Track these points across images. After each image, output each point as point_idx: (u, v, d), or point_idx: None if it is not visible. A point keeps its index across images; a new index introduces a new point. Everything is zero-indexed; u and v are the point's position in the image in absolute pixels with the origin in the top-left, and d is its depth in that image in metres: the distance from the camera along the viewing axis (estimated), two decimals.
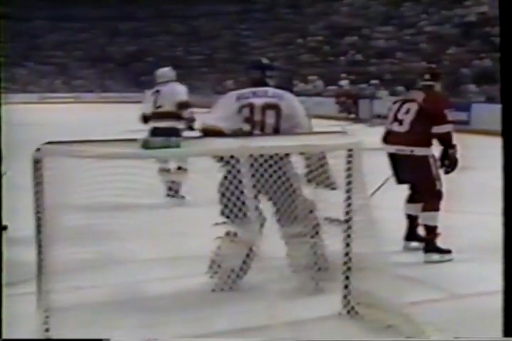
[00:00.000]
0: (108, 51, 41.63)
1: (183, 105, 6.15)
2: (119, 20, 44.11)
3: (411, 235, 4.24)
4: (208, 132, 3.38)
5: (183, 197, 5.56)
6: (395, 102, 4.36)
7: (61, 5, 42.29)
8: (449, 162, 4.07)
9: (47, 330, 2.53)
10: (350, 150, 2.93)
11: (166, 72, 6.45)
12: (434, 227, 3.99)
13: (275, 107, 3.44)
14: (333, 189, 3.14)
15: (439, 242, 4.01)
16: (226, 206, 3.14)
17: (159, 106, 6.14)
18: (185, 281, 3.35)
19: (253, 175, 2.94)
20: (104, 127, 5.32)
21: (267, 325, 2.51)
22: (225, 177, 3.12)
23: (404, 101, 4.26)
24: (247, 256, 3.18)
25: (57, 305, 2.77)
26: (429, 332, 2.61)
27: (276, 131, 3.41)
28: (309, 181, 3.15)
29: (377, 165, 3.92)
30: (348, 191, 2.93)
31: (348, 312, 2.90)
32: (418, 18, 25.15)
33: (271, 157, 2.97)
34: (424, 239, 4.04)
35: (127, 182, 2.92)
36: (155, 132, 5.88)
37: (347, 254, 2.89)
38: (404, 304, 2.71)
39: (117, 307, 2.98)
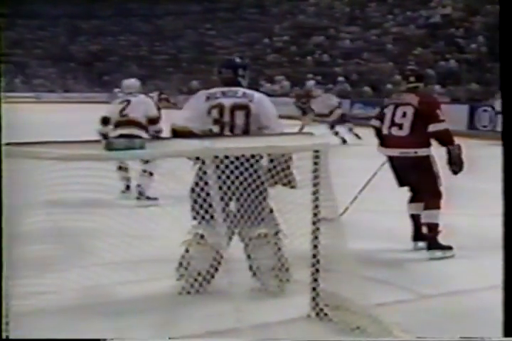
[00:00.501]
0: (69, 50, 41.05)
1: (155, 121, 6.34)
2: (81, 19, 43.56)
3: (418, 235, 4.36)
4: (178, 133, 3.38)
5: (155, 198, 5.51)
6: (386, 106, 4.51)
7: (18, 1, 41.54)
8: (455, 161, 4.19)
9: (7, 338, 2.49)
10: (316, 151, 2.95)
11: (133, 83, 6.65)
12: (436, 225, 4.16)
13: (244, 108, 3.44)
14: (293, 187, 3.16)
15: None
16: (194, 208, 3.15)
17: (125, 115, 6.26)
18: (151, 285, 3.33)
19: (219, 177, 2.94)
20: (67, 128, 5.26)
21: (234, 329, 2.52)
22: (199, 179, 3.13)
23: (398, 105, 4.41)
24: (214, 259, 3.18)
25: (18, 311, 2.73)
26: (397, 332, 2.65)
27: (246, 132, 3.41)
28: (275, 183, 3.17)
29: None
30: (315, 192, 2.95)
31: (317, 314, 2.92)
32: (383, 18, 25.52)
33: (237, 158, 2.97)
34: (427, 237, 4.18)
35: (90, 185, 2.90)
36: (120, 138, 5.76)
37: (314, 256, 2.91)
38: (371, 305, 2.75)
39: (81, 312, 2.95)
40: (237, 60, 3.85)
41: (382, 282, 3.50)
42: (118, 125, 6.24)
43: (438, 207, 4.18)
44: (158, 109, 6.70)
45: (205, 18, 40.29)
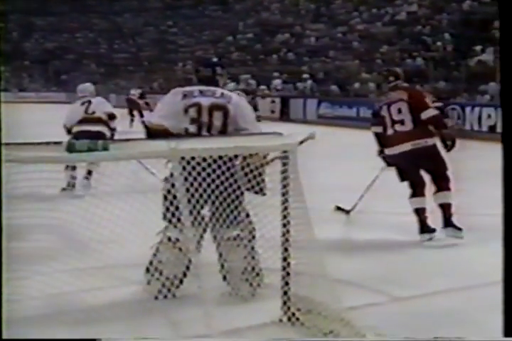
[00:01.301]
0: (23, 47, 40.33)
1: (112, 116, 7.23)
2: (34, 15, 42.84)
3: (424, 227, 4.64)
4: (153, 131, 3.38)
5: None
6: (379, 109, 4.96)
7: None
8: (448, 140, 4.74)
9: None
10: (285, 151, 2.97)
11: (87, 86, 7.52)
12: (450, 204, 4.61)
13: (223, 108, 3.46)
14: (264, 195, 3.18)
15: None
16: (164, 210, 3.14)
17: (93, 113, 7.03)
18: (116, 291, 3.31)
19: (186, 179, 2.93)
20: (24, 129, 5.22)
21: (204, 335, 2.51)
22: (166, 180, 3.12)
23: (390, 104, 4.85)
24: (183, 263, 3.18)
25: None
26: (370, 336, 2.68)
27: (223, 133, 3.43)
28: (246, 189, 3.18)
29: None
30: (284, 194, 2.96)
31: (289, 318, 2.93)
32: (349, 16, 25.78)
33: (204, 159, 2.97)
34: (443, 216, 4.60)
35: (52, 188, 2.86)
36: (83, 135, 6.43)
37: (285, 259, 2.92)
38: (343, 309, 2.78)
39: (45, 321, 2.92)
40: (214, 58, 3.90)
41: (352, 284, 3.52)
42: (83, 121, 6.91)
43: (449, 189, 4.66)
44: (139, 108, 7.42)
45: (166, 15, 40.07)
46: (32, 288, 2.94)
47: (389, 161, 5.01)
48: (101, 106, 7.15)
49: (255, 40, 29.06)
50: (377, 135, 4.99)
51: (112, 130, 7.19)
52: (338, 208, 5.49)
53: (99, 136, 6.67)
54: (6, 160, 2.69)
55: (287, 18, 29.57)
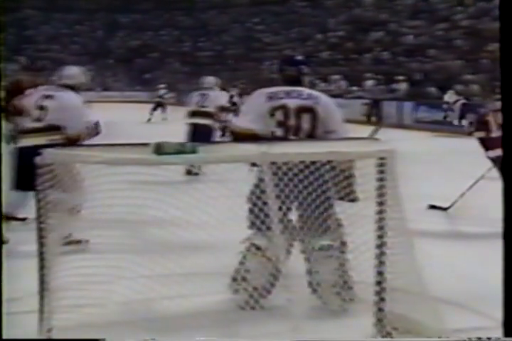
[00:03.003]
0: (108, 46, 41.93)
1: (224, 109, 8.57)
2: (119, 13, 44.44)
3: None
4: (240, 135, 3.42)
5: None
6: (485, 113, 5.26)
7: None
8: None
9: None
10: (382, 158, 2.94)
11: (210, 79, 8.82)
12: None
13: (311, 110, 3.47)
14: (352, 201, 3.16)
15: None
16: (250, 217, 3.19)
17: (203, 106, 8.28)
18: (201, 299, 3.37)
19: (276, 185, 2.97)
20: (109, 130, 5.44)
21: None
22: (254, 186, 3.17)
23: (497, 111, 4.98)
24: (271, 273, 3.21)
25: (60, 325, 2.82)
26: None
27: (312, 136, 3.44)
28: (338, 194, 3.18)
29: None
30: (380, 204, 2.94)
31: (383, 337, 2.90)
32: (452, 10, 25.15)
33: (296, 165, 3.00)
34: None
35: (136, 191, 2.96)
36: (191, 127, 8.14)
37: (380, 273, 2.90)
38: (448, 331, 2.70)
39: (125, 327, 3.01)
40: (299, 57, 3.90)
41: (456, 305, 3.41)
42: (194, 115, 8.27)
43: None
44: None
45: (252, 11, 40.50)
46: (116, 293, 3.07)
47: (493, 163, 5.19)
48: (215, 100, 8.28)
49: (347, 38, 28.89)
50: (481, 139, 5.20)
51: (223, 122, 8.53)
52: (432, 206, 5.74)
53: (206, 129, 7.83)
54: (94, 161, 2.82)
55: (382, 14, 29.22)
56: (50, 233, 2.84)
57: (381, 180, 2.94)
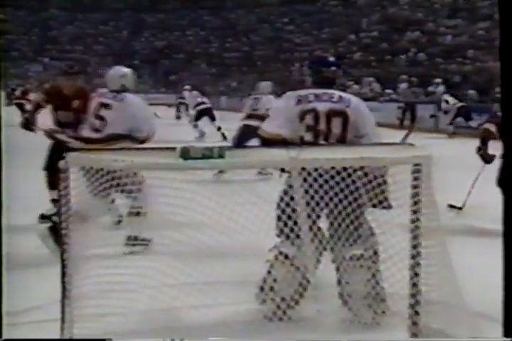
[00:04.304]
0: (133, 46, 42.36)
1: None
2: (145, 12, 44.88)
3: None
4: (269, 141, 3.43)
5: None
6: None
7: None
8: None
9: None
10: (417, 164, 2.93)
11: (266, 85, 9.59)
12: None
13: (342, 114, 3.47)
14: (385, 208, 3.15)
15: None
16: (278, 225, 3.20)
17: (255, 110, 9.09)
18: (227, 309, 3.38)
19: (306, 191, 2.97)
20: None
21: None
22: (283, 192, 3.17)
23: None
24: (300, 283, 3.21)
25: (82, 334, 2.85)
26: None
27: (342, 141, 3.43)
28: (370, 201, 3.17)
29: None
30: (415, 212, 2.92)
31: None
32: (493, 9, 24.88)
33: (327, 171, 3.00)
34: None
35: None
36: (244, 128, 8.83)
37: (415, 285, 2.88)
38: None
39: (147, 337, 3.04)
40: (331, 57, 3.89)
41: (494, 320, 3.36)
42: (247, 117, 9.08)
43: None
44: None
45: (281, 11, 40.63)
46: (139, 302, 3.10)
47: None
48: (266, 104, 8.77)
49: (381, 39, 28.79)
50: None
51: None
52: (451, 206, 5.94)
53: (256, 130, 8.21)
54: (119, 166, 2.86)
55: (418, 13, 29.06)
56: (73, 240, 2.87)
57: (416, 187, 2.92)
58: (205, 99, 15.90)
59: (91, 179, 3.33)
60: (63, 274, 2.87)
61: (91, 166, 2.92)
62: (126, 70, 5.29)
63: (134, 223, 4.44)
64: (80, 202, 4.07)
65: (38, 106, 5.89)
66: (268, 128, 3.52)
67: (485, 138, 5.45)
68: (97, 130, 4.97)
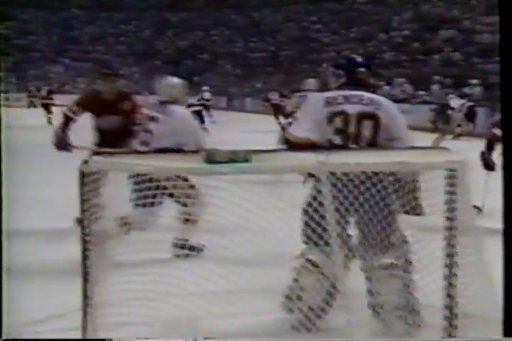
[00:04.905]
0: (155, 46, 42.62)
1: None
2: (168, 11, 45.14)
3: None
4: (296, 145, 3.42)
5: None
6: None
7: None
8: None
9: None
10: (452, 170, 2.91)
11: (312, 81, 9.33)
12: None
13: (372, 117, 3.46)
14: (417, 214, 3.13)
15: None
16: (306, 231, 3.19)
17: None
18: (252, 319, 3.38)
19: (335, 197, 2.97)
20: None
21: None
22: (312, 198, 3.17)
23: None
24: (329, 291, 3.20)
25: None
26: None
27: (373, 145, 3.42)
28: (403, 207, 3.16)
29: None
30: (450, 219, 2.90)
31: None
32: None
33: (357, 176, 2.99)
34: None
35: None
36: None
37: (450, 297, 2.86)
38: None
39: None
40: (358, 58, 3.88)
41: None
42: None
43: None
44: (284, 112, 9.32)
45: (308, 9, 40.60)
46: (162, 310, 3.11)
47: None
48: None
49: (413, 38, 28.66)
50: None
51: None
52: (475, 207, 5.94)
53: None
54: (142, 170, 2.88)
55: (453, 10, 28.87)
56: (96, 246, 2.90)
57: (451, 193, 2.90)
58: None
59: (140, 186, 3.41)
60: (85, 281, 2.89)
61: (136, 173, 2.95)
62: (177, 81, 5.26)
63: (184, 229, 4.55)
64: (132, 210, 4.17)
65: (68, 119, 5.65)
66: (296, 132, 3.50)
67: (491, 143, 5.46)
68: (144, 143, 4.95)
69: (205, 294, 3.13)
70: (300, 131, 3.47)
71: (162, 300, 3.05)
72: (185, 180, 4.03)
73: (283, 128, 9.10)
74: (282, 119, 9.09)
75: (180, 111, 5.05)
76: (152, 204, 3.98)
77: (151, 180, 3.33)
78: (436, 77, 20.93)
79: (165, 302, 3.08)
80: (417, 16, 30.69)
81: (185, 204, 4.36)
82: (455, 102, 17.02)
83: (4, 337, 2.85)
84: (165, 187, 3.64)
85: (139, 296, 3.02)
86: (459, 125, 16.62)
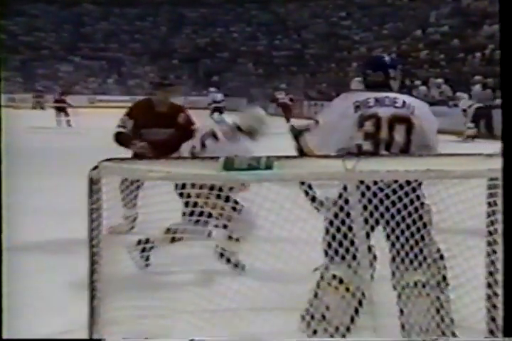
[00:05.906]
0: (172, 44, 42.88)
1: None
2: (186, 6, 45.38)
3: None
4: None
5: None
6: None
7: None
8: None
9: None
10: (494, 179, 2.88)
11: (360, 82, 9.14)
12: None
13: (406, 121, 3.43)
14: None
15: None
16: (330, 244, 3.16)
17: None
18: (272, 339, 3.37)
19: (365, 207, 2.95)
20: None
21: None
22: (338, 208, 3.15)
23: None
24: (356, 310, 3.18)
25: None
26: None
27: (406, 151, 3.39)
28: None
29: None
30: (491, 233, 2.87)
31: None
32: None
33: (388, 185, 2.97)
34: None
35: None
36: None
37: (493, 320, 2.82)
38: None
39: None
40: (387, 58, 3.86)
41: None
42: None
43: None
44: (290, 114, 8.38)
45: (337, 4, 40.64)
46: (175, 328, 3.11)
47: None
48: None
49: (452, 35, 28.56)
50: None
51: None
52: None
53: None
54: (155, 177, 2.88)
55: (497, 4, 28.66)
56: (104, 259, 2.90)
57: (493, 204, 2.87)
58: None
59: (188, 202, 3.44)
60: (92, 297, 2.89)
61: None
62: (263, 115, 5.34)
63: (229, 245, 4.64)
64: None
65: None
66: (319, 149, 3.46)
67: None
68: (193, 154, 4.97)
69: (221, 311, 3.13)
70: (325, 147, 3.43)
71: (174, 317, 3.05)
72: (227, 200, 4.12)
73: (296, 137, 8.33)
74: (294, 122, 8.89)
75: (244, 146, 5.00)
76: (197, 221, 4.02)
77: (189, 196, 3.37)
78: (477, 77, 20.79)
79: (177, 319, 3.08)
80: (456, 11, 30.57)
81: (225, 226, 4.44)
82: (464, 103, 17.33)
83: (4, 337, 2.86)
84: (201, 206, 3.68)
85: (148, 313, 3.02)
86: (471, 126, 16.74)
